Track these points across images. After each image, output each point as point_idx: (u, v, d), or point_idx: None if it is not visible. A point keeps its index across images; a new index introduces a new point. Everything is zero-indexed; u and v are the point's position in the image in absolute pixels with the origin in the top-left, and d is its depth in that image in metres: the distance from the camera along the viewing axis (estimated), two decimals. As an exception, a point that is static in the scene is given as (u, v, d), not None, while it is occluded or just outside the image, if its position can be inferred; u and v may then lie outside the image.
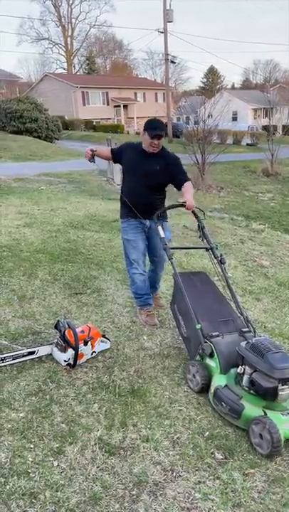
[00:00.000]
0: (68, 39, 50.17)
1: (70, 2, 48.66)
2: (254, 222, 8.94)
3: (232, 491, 2.05)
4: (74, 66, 51.76)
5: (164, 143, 3.51)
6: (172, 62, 29.46)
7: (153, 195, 3.50)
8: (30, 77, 48.30)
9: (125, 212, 3.64)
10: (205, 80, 62.29)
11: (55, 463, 2.10)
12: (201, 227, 3.47)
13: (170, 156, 3.53)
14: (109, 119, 37.34)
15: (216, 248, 3.36)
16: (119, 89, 38.41)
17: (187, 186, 3.40)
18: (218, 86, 51.51)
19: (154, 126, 3.37)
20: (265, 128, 25.77)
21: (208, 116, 17.54)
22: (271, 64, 62.57)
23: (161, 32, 25.88)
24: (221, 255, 3.31)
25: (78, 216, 7.11)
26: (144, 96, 40.64)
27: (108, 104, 37.97)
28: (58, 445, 2.22)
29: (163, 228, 3.37)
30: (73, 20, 49.85)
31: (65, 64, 51.26)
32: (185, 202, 3.27)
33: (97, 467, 2.10)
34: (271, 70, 61.42)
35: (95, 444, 2.25)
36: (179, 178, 3.44)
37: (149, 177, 3.43)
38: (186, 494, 2.00)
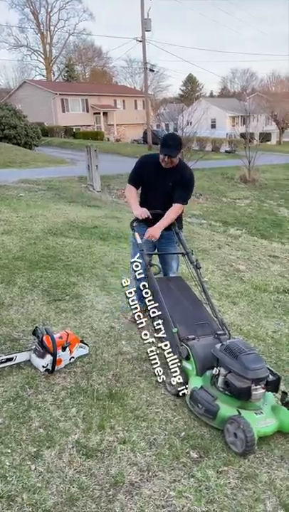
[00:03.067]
0: (47, 46, 50.12)
1: (49, 10, 48.71)
2: (231, 228, 9.11)
3: (206, 488, 2.11)
4: (53, 73, 51.71)
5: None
6: (151, 70, 29.78)
7: (169, 207, 3.51)
8: (9, 84, 47.94)
9: (138, 222, 3.57)
10: (184, 87, 63.07)
11: (33, 467, 2.13)
12: (176, 233, 3.56)
13: (185, 174, 3.50)
14: (89, 126, 37.39)
15: (192, 253, 3.44)
16: (99, 97, 38.54)
17: (175, 208, 3.41)
18: (196, 94, 52.24)
19: (166, 144, 3.33)
20: (242, 135, 26.27)
21: (187, 123, 17.81)
22: (248, 73, 63.85)
23: (140, 41, 26.14)
24: (197, 260, 3.40)
25: (57, 223, 7.12)
26: (124, 103, 40.89)
27: (88, 112, 38.04)
28: (35, 449, 2.24)
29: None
30: (52, 28, 49.87)
31: (44, 71, 51.18)
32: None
33: (74, 469, 2.14)
34: (248, 78, 62.64)
35: (73, 447, 2.28)
36: (176, 196, 3.44)
37: (164, 193, 3.48)
38: (162, 492, 2.05)
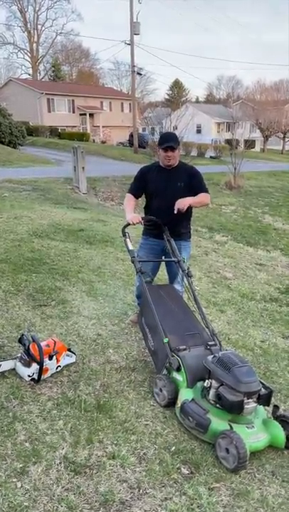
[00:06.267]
0: (34, 45, 49.66)
1: (37, 8, 48.32)
2: (217, 234, 9.13)
3: (198, 506, 2.05)
4: (39, 72, 51.21)
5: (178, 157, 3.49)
6: (138, 73, 29.76)
7: (179, 213, 3.47)
8: (-6, 82, 47.25)
9: (146, 229, 3.68)
10: (170, 92, 63.43)
11: (19, 484, 2.03)
12: (167, 240, 3.52)
13: (191, 170, 3.52)
14: (75, 126, 37.13)
15: (184, 261, 3.40)
16: (86, 98, 38.32)
17: (201, 195, 3.42)
18: (182, 99, 52.57)
19: (165, 139, 3.42)
20: (228, 142, 26.53)
21: (174, 128, 17.85)
22: (234, 80, 64.73)
23: (128, 43, 26.11)
24: (188, 268, 3.36)
25: (43, 225, 6.99)
26: (110, 105, 40.77)
27: (74, 112, 37.77)
28: (21, 465, 2.14)
29: (180, 248, 3.47)
30: (39, 27, 49.45)
31: (31, 70, 50.71)
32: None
33: (62, 487, 2.05)
34: (234, 86, 63.45)
35: (60, 462, 2.19)
36: (198, 190, 3.43)
37: (173, 195, 3.41)
38: (153, 512, 1.98)
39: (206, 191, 3.48)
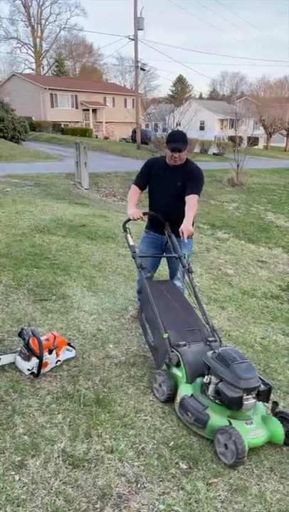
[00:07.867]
0: (38, 40, 49.57)
1: (40, 3, 48.18)
2: (219, 231, 9.10)
3: (196, 501, 2.05)
4: (43, 67, 51.16)
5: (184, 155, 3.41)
6: (142, 69, 29.62)
7: (179, 209, 3.37)
8: (-3, 76, 47.24)
9: (148, 223, 3.71)
10: (174, 88, 63.23)
11: (17, 477, 2.04)
12: (168, 236, 3.51)
13: (193, 172, 3.42)
14: (78, 122, 37.04)
15: (184, 257, 3.39)
16: (89, 93, 38.20)
17: (191, 200, 3.30)
18: (186, 95, 52.41)
19: (173, 139, 3.36)
20: (231, 138, 26.41)
21: (177, 124, 17.79)
22: (238, 77, 64.47)
23: (132, 39, 25.97)
24: (189, 264, 3.35)
25: (44, 220, 6.98)
26: (114, 101, 40.64)
27: (77, 108, 37.67)
28: (19, 458, 2.15)
29: (179, 244, 3.41)
30: (43, 22, 49.32)
31: (34, 64, 50.58)
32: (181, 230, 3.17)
33: (60, 480, 2.05)
34: (238, 82, 63.22)
35: (59, 456, 2.20)
36: (189, 190, 3.33)
37: (172, 194, 3.41)
38: (151, 506, 1.99)
39: (196, 192, 3.35)
